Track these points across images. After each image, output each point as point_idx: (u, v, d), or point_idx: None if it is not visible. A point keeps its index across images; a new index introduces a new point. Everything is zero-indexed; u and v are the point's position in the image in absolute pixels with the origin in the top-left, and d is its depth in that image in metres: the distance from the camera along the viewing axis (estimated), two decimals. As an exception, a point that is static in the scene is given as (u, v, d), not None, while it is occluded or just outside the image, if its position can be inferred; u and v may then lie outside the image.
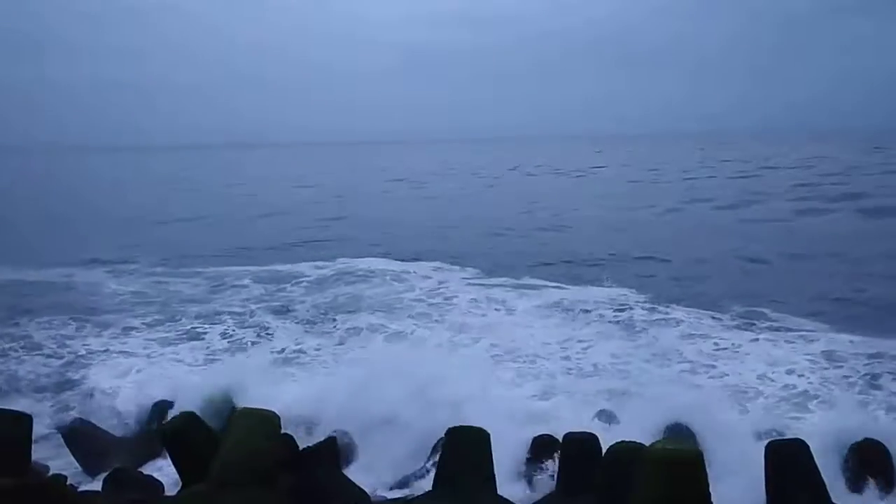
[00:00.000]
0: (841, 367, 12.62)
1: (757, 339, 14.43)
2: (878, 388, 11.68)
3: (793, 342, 14.15)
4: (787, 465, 7.23)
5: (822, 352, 13.41)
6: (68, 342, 14.81)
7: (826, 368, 12.56)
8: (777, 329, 15.09)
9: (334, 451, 8.83)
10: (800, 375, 12.28)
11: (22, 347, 14.40)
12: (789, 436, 8.65)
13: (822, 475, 7.40)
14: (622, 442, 7.39)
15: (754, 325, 15.47)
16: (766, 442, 7.82)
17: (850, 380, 12.04)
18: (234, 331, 15.96)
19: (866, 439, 8.72)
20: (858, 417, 10.03)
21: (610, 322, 15.92)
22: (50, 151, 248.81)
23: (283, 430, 7.72)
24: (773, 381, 12.11)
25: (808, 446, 7.46)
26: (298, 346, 14.62)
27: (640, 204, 41.27)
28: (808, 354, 13.31)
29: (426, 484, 8.16)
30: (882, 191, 42.68)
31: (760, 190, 47.37)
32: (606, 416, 10.25)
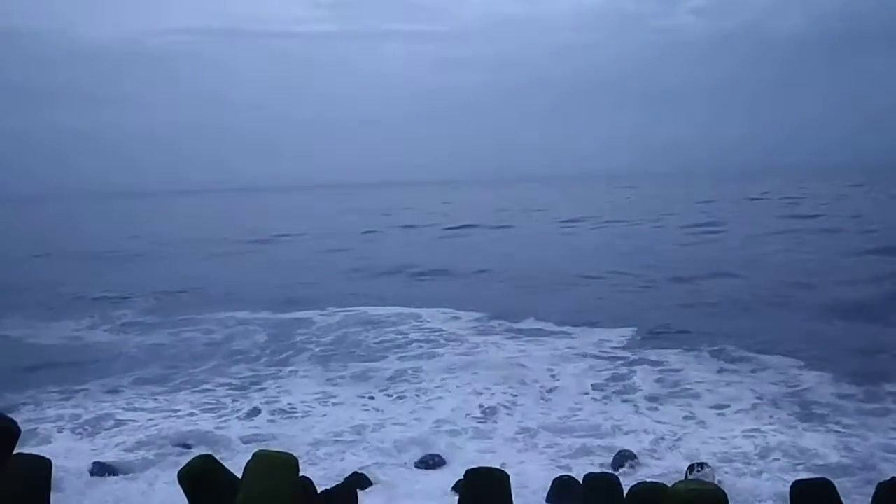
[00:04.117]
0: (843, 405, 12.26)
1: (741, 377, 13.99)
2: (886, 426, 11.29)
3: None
4: (814, 506, 7.09)
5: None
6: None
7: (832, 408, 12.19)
8: (763, 368, 14.50)
9: (352, 493, 8.76)
10: (805, 412, 11.91)
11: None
12: (812, 476, 8.51)
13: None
14: (643, 483, 7.29)
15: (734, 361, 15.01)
16: (790, 482, 7.69)
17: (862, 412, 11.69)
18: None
19: (894, 478, 8.57)
20: (881, 455, 9.88)
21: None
22: (78, 198, 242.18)
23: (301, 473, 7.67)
24: (771, 417, 11.77)
25: (833, 486, 7.33)
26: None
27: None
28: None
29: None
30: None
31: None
32: (625, 457, 10.12)
